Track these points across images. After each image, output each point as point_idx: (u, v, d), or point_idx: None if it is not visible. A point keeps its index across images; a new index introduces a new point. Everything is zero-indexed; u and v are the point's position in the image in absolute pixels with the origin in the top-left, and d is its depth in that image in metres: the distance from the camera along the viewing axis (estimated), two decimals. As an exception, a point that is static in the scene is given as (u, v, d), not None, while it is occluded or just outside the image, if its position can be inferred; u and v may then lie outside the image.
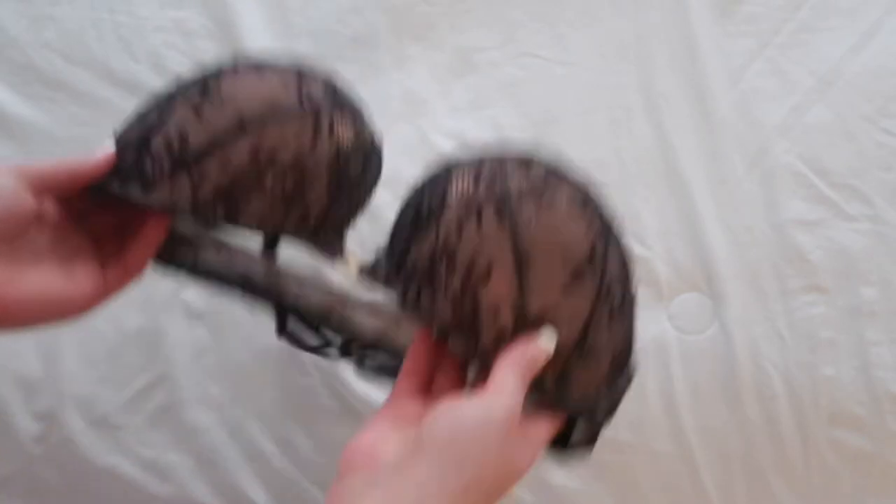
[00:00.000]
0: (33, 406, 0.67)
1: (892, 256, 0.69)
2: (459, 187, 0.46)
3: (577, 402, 0.46)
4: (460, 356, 0.46)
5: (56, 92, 0.74)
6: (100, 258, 0.48)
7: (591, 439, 0.49)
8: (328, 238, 0.50)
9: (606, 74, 0.76)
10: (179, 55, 0.76)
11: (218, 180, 0.46)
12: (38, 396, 0.67)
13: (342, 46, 0.77)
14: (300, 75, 0.48)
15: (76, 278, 0.46)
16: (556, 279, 0.44)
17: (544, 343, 0.43)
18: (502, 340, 0.44)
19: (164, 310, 0.69)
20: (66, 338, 0.67)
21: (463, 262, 0.44)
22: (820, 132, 0.72)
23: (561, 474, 0.64)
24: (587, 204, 0.47)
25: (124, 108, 0.74)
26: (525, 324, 0.44)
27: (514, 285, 0.44)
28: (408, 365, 0.47)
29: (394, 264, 0.47)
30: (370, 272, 0.48)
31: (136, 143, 0.46)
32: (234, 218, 0.47)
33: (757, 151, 0.73)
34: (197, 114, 0.46)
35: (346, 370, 0.68)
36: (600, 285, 0.45)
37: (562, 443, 0.48)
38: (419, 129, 0.75)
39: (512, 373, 0.42)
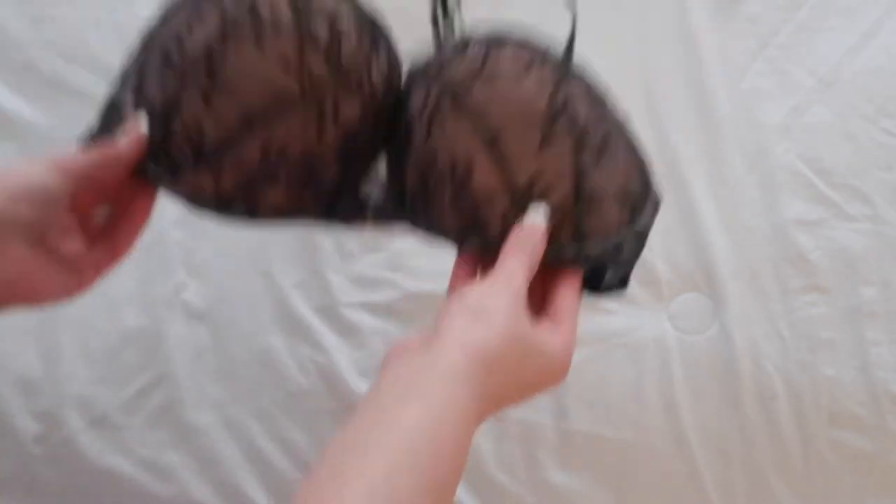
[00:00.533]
0: (33, 406, 0.67)
1: (892, 256, 0.69)
2: (416, 101, 0.47)
3: (598, 250, 0.46)
4: (482, 255, 0.46)
5: (56, 92, 0.74)
6: (86, 238, 0.47)
7: (624, 278, 0.49)
8: (345, 205, 0.50)
9: (606, 74, 0.76)
10: (179, 55, 0.76)
11: (236, 177, 0.47)
12: (38, 396, 0.67)
13: (342, 46, 0.77)
14: (302, 41, 0.46)
15: (67, 260, 0.46)
16: (530, 145, 0.45)
17: (534, 219, 0.44)
18: (509, 225, 0.45)
19: (164, 310, 0.69)
20: (66, 338, 0.67)
21: (444, 168, 0.45)
22: (820, 132, 0.72)
23: (561, 474, 0.64)
24: (531, 61, 0.47)
25: (124, 108, 0.74)
26: (521, 199, 0.45)
27: (495, 169, 0.45)
28: (457, 261, 0.47)
29: (398, 197, 0.48)
30: (382, 216, 0.49)
31: (160, 117, 0.47)
32: (254, 211, 0.48)
33: (757, 151, 0.73)
34: (207, 102, 0.46)
35: (347, 370, 0.68)
36: (572, 132, 0.46)
37: (596, 287, 0.48)
38: (419, 129, 0.75)
39: (511, 256, 0.43)
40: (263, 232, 0.70)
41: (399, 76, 0.51)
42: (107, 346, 0.69)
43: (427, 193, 0.47)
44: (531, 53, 0.48)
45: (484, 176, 0.45)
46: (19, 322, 0.67)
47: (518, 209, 0.45)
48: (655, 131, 0.74)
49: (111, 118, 0.49)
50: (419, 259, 0.70)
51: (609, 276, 0.49)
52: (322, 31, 0.47)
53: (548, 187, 0.45)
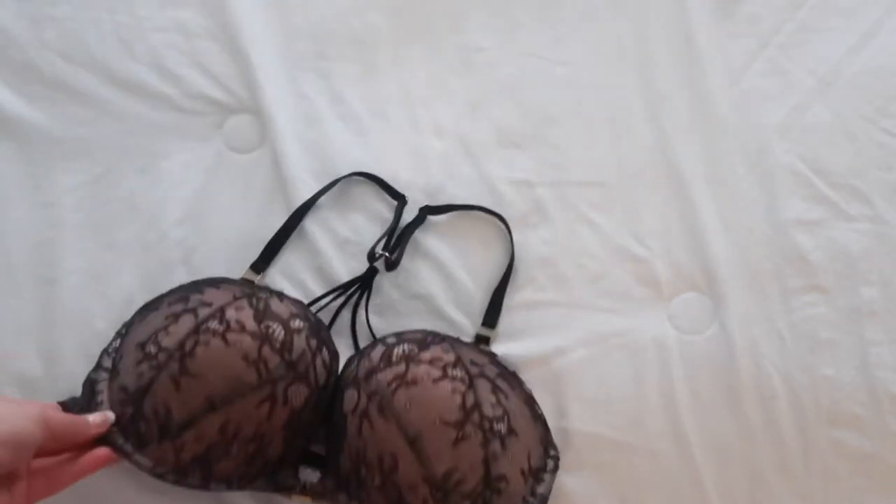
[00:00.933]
0: (33, 406, 0.67)
1: (892, 256, 0.69)
2: (349, 401, 0.57)
3: None
4: None
5: (56, 92, 0.74)
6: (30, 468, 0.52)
7: None
8: (286, 477, 0.58)
9: (606, 74, 0.76)
10: (179, 55, 0.76)
11: (194, 450, 0.55)
12: (38, 396, 0.67)
13: (342, 46, 0.77)
14: (261, 341, 0.56)
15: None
16: (446, 442, 0.54)
17: None
18: None
19: (164, 310, 0.69)
20: (66, 338, 0.67)
21: (373, 460, 0.55)
22: (820, 132, 0.72)
23: (560, 475, 0.64)
24: (445, 368, 0.57)
25: (124, 108, 0.74)
26: (438, 486, 0.54)
27: (417, 464, 0.54)
28: None
29: (334, 478, 0.57)
30: (319, 495, 0.58)
31: (133, 397, 0.56)
32: (207, 480, 0.56)
33: (757, 151, 0.73)
34: (176, 386, 0.55)
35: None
36: (482, 426, 0.55)
37: None
38: (418, 129, 0.75)
39: None
40: (264, 232, 0.70)
41: (337, 364, 0.61)
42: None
43: (359, 478, 0.55)
44: (445, 360, 0.58)
45: (407, 468, 0.54)
46: (19, 322, 0.67)
47: (437, 495, 0.54)
48: (655, 131, 0.74)
49: (90, 394, 0.59)
50: (418, 261, 0.70)
51: None
52: (278, 332, 0.57)
53: (462, 478, 0.54)
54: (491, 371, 0.59)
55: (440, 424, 0.54)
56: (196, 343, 0.56)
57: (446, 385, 0.56)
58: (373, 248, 0.67)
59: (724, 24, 0.76)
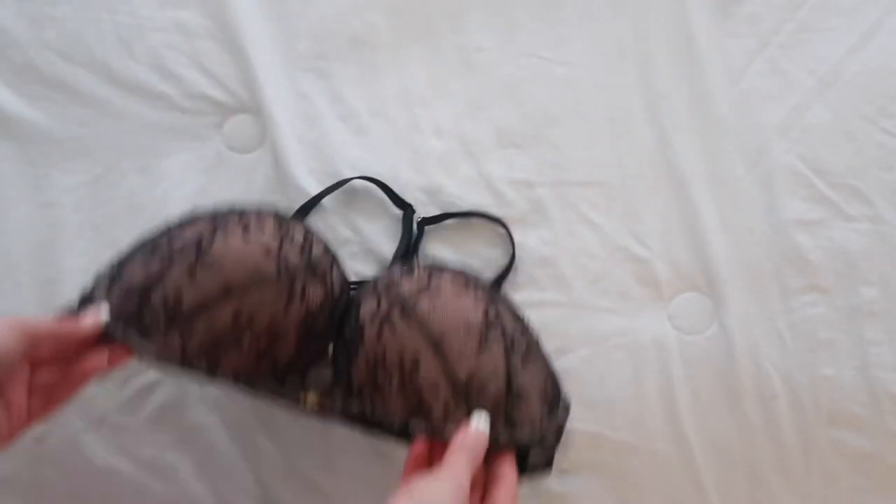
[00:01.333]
0: (33, 406, 0.67)
1: (892, 256, 0.69)
2: (367, 308, 0.55)
3: (526, 437, 0.55)
4: (425, 438, 0.54)
5: (56, 92, 0.74)
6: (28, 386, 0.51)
7: (548, 462, 0.57)
8: (292, 381, 0.57)
9: (606, 74, 0.76)
10: (179, 55, 0.76)
11: (203, 338, 0.53)
12: (38, 396, 0.67)
13: (342, 46, 0.77)
14: (281, 239, 0.55)
15: (5, 405, 0.49)
16: (469, 346, 0.53)
17: (478, 425, 0.52)
18: (449, 412, 0.53)
19: (164, 310, 0.69)
20: (66, 338, 0.67)
21: (392, 363, 0.53)
22: (820, 132, 0.72)
23: (560, 475, 0.64)
24: (467, 282, 0.57)
25: (124, 108, 0.74)
26: (461, 390, 0.53)
27: (439, 366, 0.53)
28: (407, 461, 0.54)
29: (345, 388, 0.56)
30: (327, 403, 0.56)
31: (138, 291, 0.53)
32: (213, 371, 0.54)
33: (757, 151, 0.73)
34: (191, 275, 0.53)
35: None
36: (503, 340, 0.55)
37: (521, 469, 0.55)
38: (418, 129, 0.75)
39: (456, 455, 0.50)
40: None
41: (347, 291, 0.60)
42: (107, 346, 0.69)
43: (375, 384, 0.54)
44: (466, 278, 0.58)
45: (429, 369, 0.53)
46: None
47: (458, 399, 0.53)
48: (655, 131, 0.74)
49: (85, 302, 0.55)
50: (418, 261, 0.70)
51: (534, 456, 0.56)
52: (298, 235, 0.57)
53: (485, 383, 0.53)
54: (507, 302, 0.60)
55: (464, 329, 0.54)
56: (213, 239, 0.54)
57: (469, 296, 0.56)
58: (391, 268, 0.65)
59: (724, 24, 0.76)
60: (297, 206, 0.70)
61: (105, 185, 0.72)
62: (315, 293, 0.55)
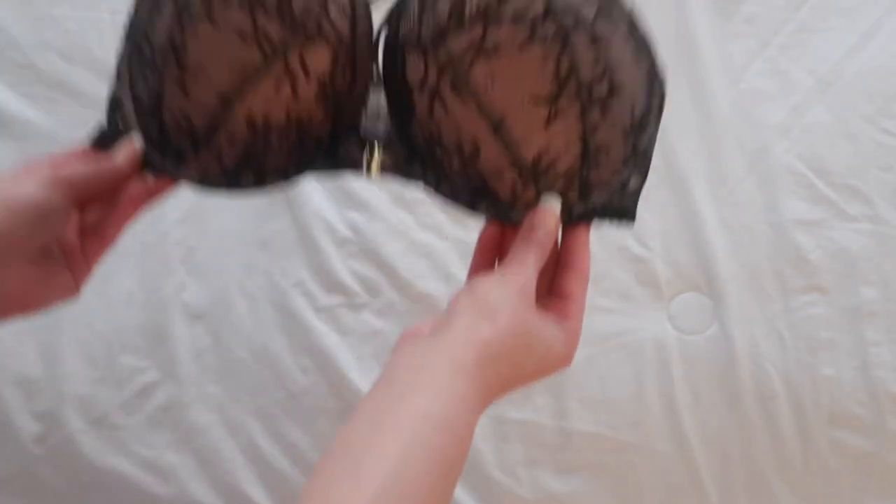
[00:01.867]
0: (33, 406, 0.67)
1: (892, 256, 0.69)
2: (414, 71, 0.46)
3: (605, 198, 0.48)
4: (494, 219, 0.48)
5: (56, 92, 0.74)
6: (78, 229, 0.48)
7: (634, 202, 0.51)
8: (347, 146, 0.51)
9: (606, 74, 0.76)
10: (179, 55, 0.76)
11: (233, 153, 0.48)
12: (38, 396, 0.67)
13: None
14: (252, 8, 0.46)
15: (63, 257, 0.47)
16: (536, 121, 0.45)
17: (546, 210, 0.46)
18: (517, 195, 0.46)
19: (164, 310, 0.69)
20: (66, 338, 0.67)
21: (450, 145, 0.46)
22: (820, 132, 0.72)
23: (561, 475, 0.64)
24: (533, 24, 0.44)
25: (124, 108, 0.74)
26: (527, 172, 0.46)
27: (502, 151, 0.46)
28: (477, 246, 0.49)
29: (406, 150, 0.49)
30: (390, 166, 0.50)
31: (151, 112, 0.49)
32: (262, 180, 0.49)
33: (757, 151, 0.73)
34: (183, 90, 0.47)
35: (347, 369, 0.68)
36: (579, 95, 0.45)
37: (602, 214, 0.49)
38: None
39: (522, 247, 0.44)
40: (264, 232, 0.70)
41: (368, 10, 0.49)
42: (107, 346, 0.69)
43: (434, 158, 0.48)
44: (533, 12, 0.45)
45: (491, 155, 0.46)
46: (19, 322, 0.67)
47: (526, 181, 0.46)
48: (655, 131, 0.74)
49: (116, 115, 0.51)
50: (419, 259, 0.70)
51: (614, 206, 0.49)
52: None
53: (555, 158, 0.46)
54: (589, 11, 0.47)
55: (529, 103, 0.45)
56: (183, 33, 0.47)
57: (535, 51, 0.44)
58: None
59: (724, 25, 0.76)
60: (296, 204, 0.70)
61: (105, 185, 0.72)
62: (317, 58, 0.47)
